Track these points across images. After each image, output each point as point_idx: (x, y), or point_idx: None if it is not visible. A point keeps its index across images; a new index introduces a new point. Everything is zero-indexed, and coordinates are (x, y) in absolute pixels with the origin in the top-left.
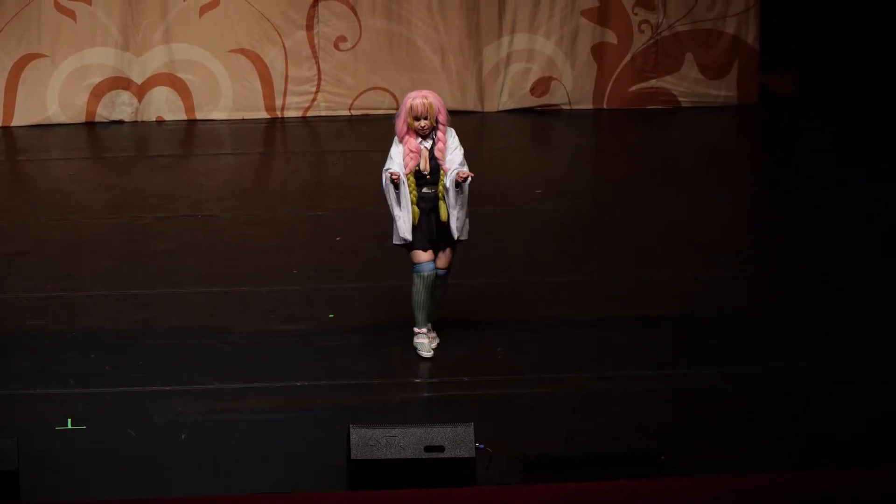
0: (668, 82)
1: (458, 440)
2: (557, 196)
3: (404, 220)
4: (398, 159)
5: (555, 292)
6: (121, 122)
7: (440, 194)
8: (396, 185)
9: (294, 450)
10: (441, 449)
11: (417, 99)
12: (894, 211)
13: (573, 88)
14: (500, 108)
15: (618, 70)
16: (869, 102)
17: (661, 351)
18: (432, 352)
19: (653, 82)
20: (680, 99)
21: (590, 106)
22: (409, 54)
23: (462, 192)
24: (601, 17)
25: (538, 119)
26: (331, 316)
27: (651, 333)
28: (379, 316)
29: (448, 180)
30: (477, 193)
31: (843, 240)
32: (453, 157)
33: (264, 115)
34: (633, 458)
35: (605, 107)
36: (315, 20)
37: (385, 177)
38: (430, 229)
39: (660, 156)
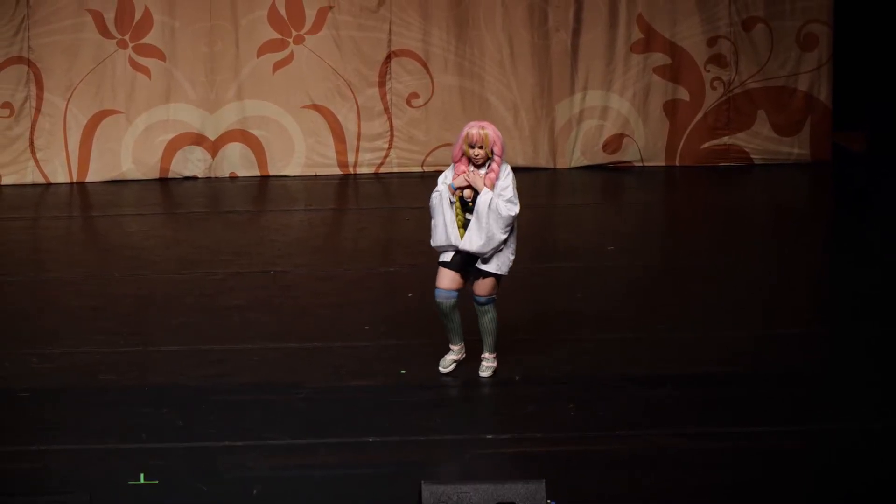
0: (740, 139)
1: (529, 497)
2: (629, 253)
3: (449, 231)
4: (444, 186)
5: (626, 349)
6: (194, 178)
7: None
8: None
9: None
10: None
11: (474, 128)
12: None
13: (645, 145)
14: (573, 164)
15: (690, 127)
16: None
17: (732, 409)
18: (449, 368)
19: (725, 139)
20: (752, 156)
21: (662, 163)
22: (481, 111)
23: (478, 206)
24: (673, 73)
25: (610, 176)
26: (402, 372)
27: (722, 391)
28: (450, 372)
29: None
30: (549, 250)
31: None
32: (502, 192)
33: (337, 171)
34: None
35: (677, 164)
36: (387, 76)
37: (432, 198)
38: (469, 255)
39: (731, 213)
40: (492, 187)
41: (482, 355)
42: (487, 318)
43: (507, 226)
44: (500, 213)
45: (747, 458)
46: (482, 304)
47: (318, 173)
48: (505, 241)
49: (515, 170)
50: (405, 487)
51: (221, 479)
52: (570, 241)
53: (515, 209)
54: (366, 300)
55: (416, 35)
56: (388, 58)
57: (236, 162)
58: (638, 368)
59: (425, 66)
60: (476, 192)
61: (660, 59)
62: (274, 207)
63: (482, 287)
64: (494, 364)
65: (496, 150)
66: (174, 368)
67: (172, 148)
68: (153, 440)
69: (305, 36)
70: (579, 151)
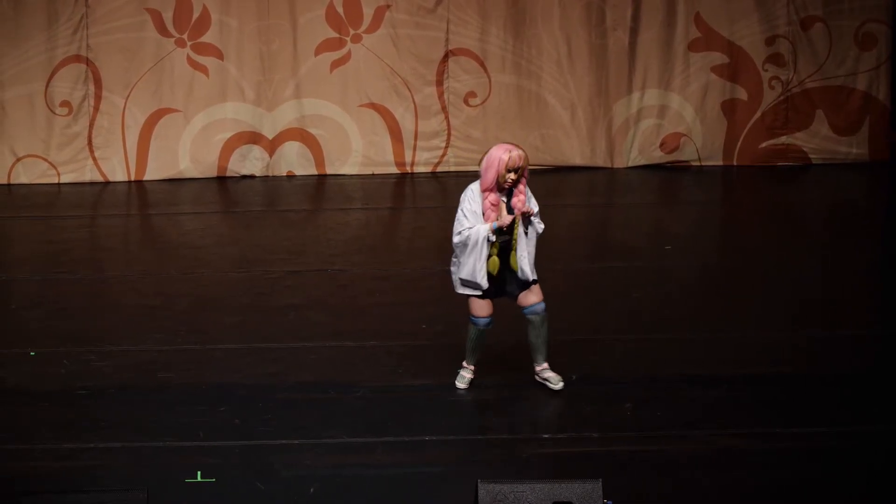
0: (798, 139)
1: (586, 496)
2: (686, 252)
3: (481, 269)
4: (474, 218)
5: (683, 349)
6: (251, 177)
7: (513, 246)
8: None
9: None
10: None
11: (514, 152)
12: None
13: (703, 145)
14: (630, 164)
15: (748, 126)
16: None
17: (788, 409)
18: (466, 386)
19: (783, 139)
20: (810, 156)
21: (719, 162)
22: (538, 110)
23: (531, 230)
24: (731, 73)
25: (667, 175)
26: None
27: (778, 391)
28: (506, 371)
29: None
30: (606, 249)
31: None
32: (535, 208)
33: (394, 170)
34: None
35: (734, 163)
36: (445, 76)
37: (468, 236)
38: (505, 278)
39: (789, 213)
40: (522, 212)
41: (544, 367)
42: (546, 326)
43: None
44: (538, 233)
45: (804, 459)
46: (542, 312)
47: (375, 172)
48: None
49: (573, 169)
50: (462, 486)
51: (278, 478)
52: (628, 240)
53: (542, 226)
54: (422, 299)
55: (473, 34)
56: (446, 56)
57: (293, 161)
58: (695, 368)
59: (483, 64)
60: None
61: (718, 58)
62: (331, 206)
63: (536, 294)
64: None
65: (526, 172)
66: (231, 367)
67: (230, 147)
68: (210, 438)
69: (363, 35)
70: (637, 151)
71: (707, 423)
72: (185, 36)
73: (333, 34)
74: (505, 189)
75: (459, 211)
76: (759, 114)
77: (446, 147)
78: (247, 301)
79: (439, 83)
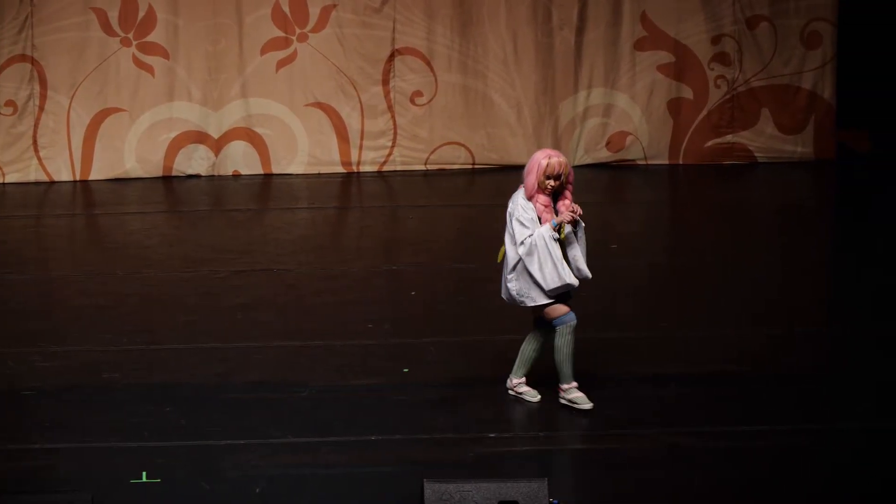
0: (744, 138)
1: (532, 495)
2: (633, 251)
3: (564, 268)
4: (533, 225)
5: (630, 348)
6: (197, 177)
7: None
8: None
9: None
10: None
11: (554, 158)
12: None
13: (649, 143)
14: (576, 162)
15: (694, 125)
16: None
17: (734, 408)
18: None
19: (729, 138)
20: (756, 154)
21: (665, 161)
22: (484, 109)
23: (581, 229)
24: (677, 72)
25: (614, 174)
26: (405, 371)
27: (726, 390)
28: (454, 371)
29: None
30: None
31: None
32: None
33: (340, 169)
34: None
35: (680, 162)
36: (391, 75)
37: (533, 243)
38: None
39: (735, 211)
40: (572, 215)
41: (571, 386)
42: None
43: None
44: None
45: (755, 457)
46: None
47: (321, 171)
48: None
49: (520, 168)
50: (408, 486)
51: (224, 478)
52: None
53: (583, 224)
54: (369, 298)
55: (419, 33)
56: (392, 56)
57: (239, 160)
58: (643, 367)
59: (429, 63)
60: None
61: (664, 57)
62: (277, 206)
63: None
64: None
65: (570, 177)
66: (177, 367)
67: (175, 146)
68: (156, 438)
69: (309, 34)
70: (583, 150)
71: (655, 421)
72: (130, 35)
73: (279, 33)
74: (549, 193)
75: (515, 223)
76: (704, 112)
77: (392, 146)
78: (193, 301)
79: (385, 82)
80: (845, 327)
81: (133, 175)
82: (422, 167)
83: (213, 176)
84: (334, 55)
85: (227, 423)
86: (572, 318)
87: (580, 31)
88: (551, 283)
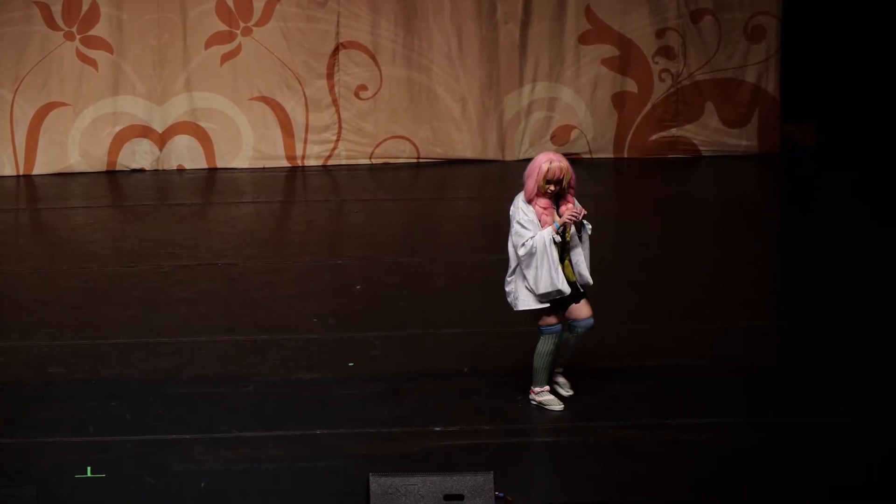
0: (688, 131)
1: (477, 489)
2: None
3: (559, 274)
4: (534, 227)
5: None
6: (141, 171)
7: (566, 257)
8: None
9: (313, 499)
10: (460, 498)
11: (555, 163)
12: None
13: (594, 137)
14: (521, 156)
15: (638, 119)
16: (888, 151)
17: (682, 402)
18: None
19: (673, 131)
20: (700, 148)
21: (610, 154)
22: (429, 103)
23: (585, 232)
24: (622, 65)
25: None
26: (350, 364)
27: (671, 384)
28: (399, 364)
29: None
30: (499, 243)
31: (862, 291)
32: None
33: (285, 163)
34: None
35: (625, 155)
36: (335, 69)
37: (533, 245)
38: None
39: (680, 205)
40: (574, 217)
41: (543, 389)
42: (582, 341)
43: None
44: (588, 235)
45: (701, 451)
46: (587, 327)
47: (266, 165)
48: None
49: (464, 162)
50: (353, 480)
51: (169, 473)
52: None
53: (590, 226)
54: (314, 293)
55: (364, 27)
56: (336, 50)
57: (184, 154)
58: (589, 361)
59: (373, 57)
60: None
61: (608, 50)
62: (222, 200)
63: (588, 308)
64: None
65: (573, 182)
66: (122, 362)
67: (120, 140)
68: (101, 433)
69: (253, 28)
70: (528, 143)
71: (602, 415)
72: (73, 29)
73: (224, 27)
74: (549, 197)
75: (516, 224)
76: (649, 106)
77: (337, 140)
78: (138, 295)
79: (330, 76)
80: (793, 321)
81: (77, 169)
82: (366, 161)
83: (157, 170)
84: (278, 49)
85: (171, 418)
86: (559, 329)
87: (525, 24)
88: (543, 287)
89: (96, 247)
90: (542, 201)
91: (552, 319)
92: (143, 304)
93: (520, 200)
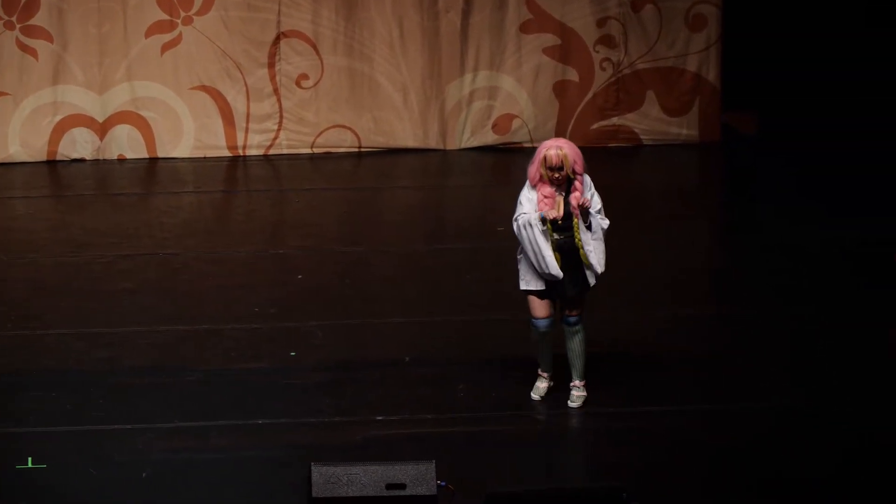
0: (629, 120)
1: (419, 477)
2: None
3: (550, 258)
4: (530, 206)
5: (518, 330)
6: (82, 161)
7: (577, 243)
8: (544, 223)
9: (255, 488)
10: (402, 487)
11: (552, 150)
12: (855, 249)
13: (535, 126)
14: (463, 145)
15: (579, 108)
16: (830, 140)
17: (625, 389)
18: (540, 397)
19: (614, 120)
20: (641, 137)
21: None
22: (370, 92)
23: (593, 222)
24: (563, 54)
25: (500, 156)
26: (292, 354)
27: (615, 371)
28: (341, 354)
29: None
30: (440, 231)
31: (804, 278)
32: (595, 206)
33: (226, 153)
34: (595, 495)
35: None
36: (277, 58)
37: (518, 224)
38: (565, 280)
39: (621, 194)
40: (578, 205)
41: (572, 383)
42: (579, 339)
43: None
44: (603, 229)
45: (648, 439)
46: (575, 325)
47: (207, 155)
48: None
49: (406, 151)
50: (296, 469)
51: (111, 463)
52: (461, 222)
53: (607, 222)
54: (256, 283)
55: (305, 16)
56: (278, 39)
57: (124, 144)
58: (530, 349)
59: (315, 47)
60: (565, 212)
61: (549, 39)
62: (163, 190)
63: (578, 306)
64: (584, 393)
65: (577, 168)
66: (64, 352)
67: (60, 130)
68: (42, 424)
69: (194, 17)
70: (469, 132)
71: (546, 403)
72: (13, 18)
73: (164, 16)
74: (556, 184)
75: (518, 199)
76: (590, 95)
77: (279, 130)
78: (79, 286)
79: (271, 65)
80: (738, 309)
81: (17, 159)
82: (308, 150)
83: (98, 160)
84: (219, 38)
85: (113, 409)
86: (541, 326)
87: (466, 14)
88: (530, 268)
89: (37, 237)
90: (546, 189)
91: (538, 310)
92: (84, 295)
93: (526, 186)
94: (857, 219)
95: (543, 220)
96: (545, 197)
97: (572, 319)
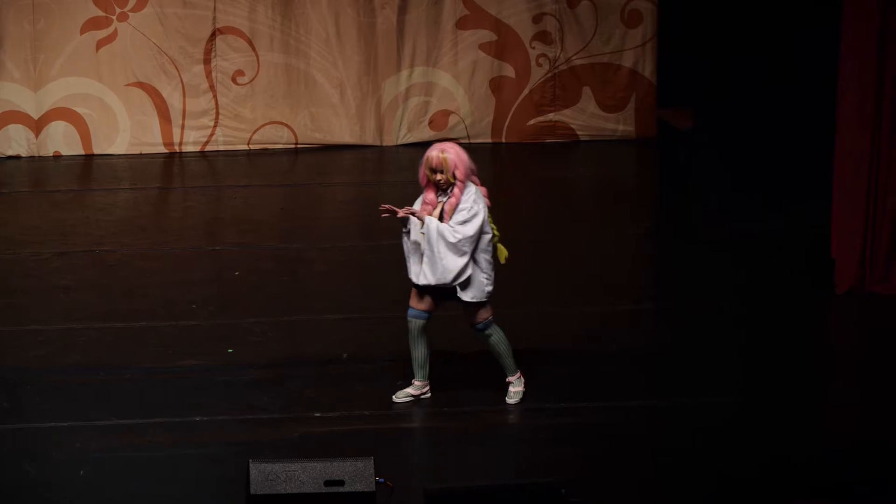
0: (565, 116)
1: (358, 474)
2: None
3: (414, 262)
4: (418, 206)
5: (455, 326)
6: (17, 158)
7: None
8: (405, 225)
9: (193, 486)
10: (341, 483)
11: (434, 151)
12: (790, 244)
13: (472, 122)
14: (399, 142)
15: (516, 104)
16: (764, 136)
17: (563, 386)
18: (402, 400)
19: (551, 116)
20: (578, 133)
21: (488, 139)
22: (307, 88)
23: (426, 235)
24: (499, 50)
25: None
26: (230, 351)
27: (553, 368)
28: (279, 350)
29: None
30: (376, 228)
31: (741, 274)
32: (456, 217)
33: (162, 149)
34: (534, 492)
35: (503, 140)
36: (212, 54)
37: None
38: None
39: (559, 190)
40: (451, 213)
41: (506, 380)
42: (492, 341)
43: (461, 252)
44: (447, 240)
45: (585, 435)
46: (479, 331)
47: (143, 151)
48: (466, 266)
49: (343, 147)
50: (234, 466)
51: (48, 461)
52: (393, 219)
53: (467, 230)
54: (193, 280)
55: (241, 12)
56: (213, 35)
57: (60, 141)
58: (474, 346)
59: (251, 43)
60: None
61: (486, 35)
62: (99, 186)
63: (471, 316)
64: (521, 387)
65: (458, 174)
66: (0, 350)
67: None
68: None
69: (129, 13)
70: (406, 129)
71: (485, 400)
72: None
73: (100, 13)
74: (443, 188)
75: None
76: (527, 91)
77: (215, 126)
78: (15, 283)
79: (207, 62)
80: (674, 304)
81: None
82: (245, 147)
83: (33, 157)
84: (155, 34)
85: (50, 406)
86: (409, 314)
87: (402, 10)
88: (409, 271)
89: None
90: (429, 196)
91: (412, 300)
92: (19, 292)
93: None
94: (792, 212)
95: (404, 223)
96: (425, 203)
97: (478, 327)
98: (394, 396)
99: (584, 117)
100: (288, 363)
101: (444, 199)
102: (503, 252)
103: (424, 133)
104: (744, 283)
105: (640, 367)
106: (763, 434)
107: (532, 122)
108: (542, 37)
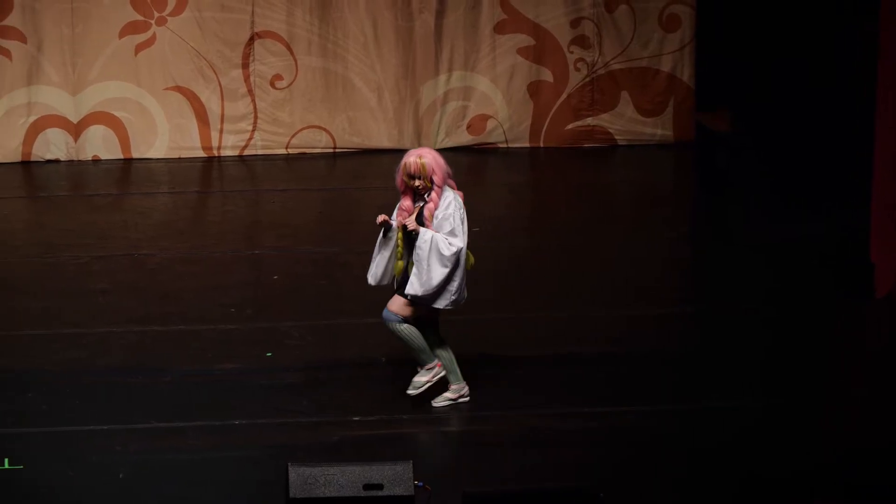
0: (603, 120)
1: (396, 478)
2: (494, 234)
3: (376, 265)
4: (395, 212)
5: (492, 331)
6: (56, 162)
7: (398, 253)
8: (386, 231)
9: (232, 489)
10: (380, 487)
11: (411, 157)
12: (828, 248)
13: (510, 126)
14: (437, 146)
15: (554, 108)
16: (803, 138)
17: (600, 389)
18: (416, 391)
19: (588, 121)
20: (616, 137)
21: (526, 144)
22: (345, 93)
23: (421, 247)
24: (537, 55)
25: (475, 157)
26: (269, 354)
27: (589, 371)
28: (317, 354)
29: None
30: None
31: (778, 277)
32: (440, 224)
33: (201, 153)
34: (572, 495)
35: (541, 145)
36: (251, 58)
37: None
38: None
39: (596, 194)
40: (431, 219)
41: (426, 370)
42: (395, 337)
43: (449, 263)
44: (441, 252)
45: (619, 439)
46: (386, 320)
47: (181, 156)
48: (445, 279)
49: (381, 151)
50: (272, 470)
51: (87, 464)
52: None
53: (458, 243)
54: (231, 283)
55: (279, 16)
56: (252, 39)
57: (99, 145)
58: (509, 349)
59: (289, 47)
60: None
61: (524, 39)
62: (137, 190)
63: (392, 302)
64: (425, 379)
65: (436, 179)
66: (39, 353)
67: (34, 131)
68: (18, 425)
69: (168, 17)
70: (444, 133)
71: (522, 403)
72: None
73: (138, 17)
74: (420, 194)
75: None
76: (564, 95)
77: (253, 130)
78: (54, 286)
79: (245, 66)
80: (711, 308)
81: None
82: (283, 151)
83: (72, 161)
84: (193, 39)
85: (89, 409)
86: (384, 318)
87: (440, 14)
88: (368, 273)
89: (11, 237)
90: (406, 202)
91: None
92: (58, 295)
93: None
94: (831, 215)
95: (386, 230)
96: (402, 209)
97: (384, 313)
98: (433, 401)
99: (622, 122)
100: (326, 366)
101: (422, 204)
102: (469, 258)
103: (463, 137)
104: (780, 286)
105: (676, 371)
106: (797, 438)
107: (570, 126)
108: (580, 41)
